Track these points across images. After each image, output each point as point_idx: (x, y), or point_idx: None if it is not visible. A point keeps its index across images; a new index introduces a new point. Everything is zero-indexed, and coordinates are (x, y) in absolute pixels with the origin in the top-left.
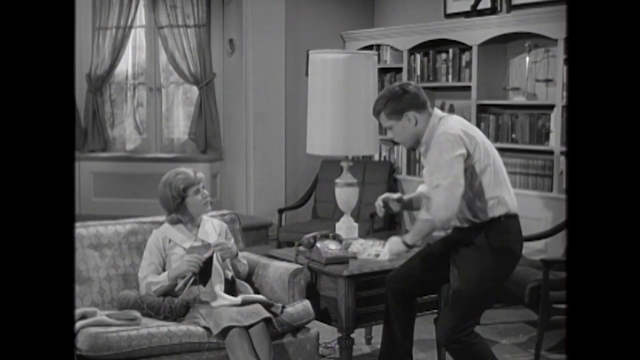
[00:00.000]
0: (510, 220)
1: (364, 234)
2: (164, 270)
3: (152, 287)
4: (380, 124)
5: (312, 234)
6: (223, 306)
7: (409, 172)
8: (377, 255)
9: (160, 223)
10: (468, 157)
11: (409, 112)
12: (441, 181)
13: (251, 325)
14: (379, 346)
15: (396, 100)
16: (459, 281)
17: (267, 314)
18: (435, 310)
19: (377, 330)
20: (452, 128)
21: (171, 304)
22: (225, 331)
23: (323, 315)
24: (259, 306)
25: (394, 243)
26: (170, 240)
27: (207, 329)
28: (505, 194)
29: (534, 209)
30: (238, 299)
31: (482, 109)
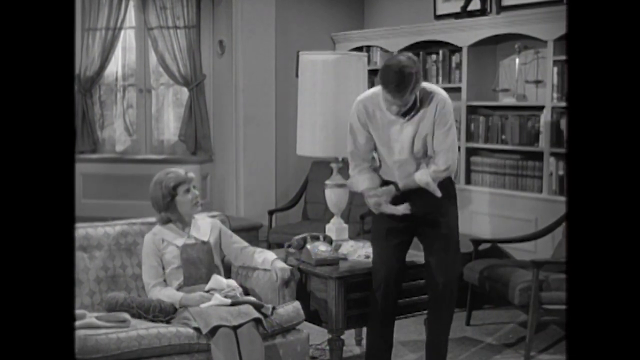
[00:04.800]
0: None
1: (354, 235)
2: (163, 269)
3: (164, 300)
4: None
5: (302, 236)
6: (213, 306)
7: None
8: (368, 257)
9: (151, 224)
10: None
11: (420, 83)
12: (452, 143)
13: (240, 325)
14: None
15: (417, 78)
16: (446, 233)
17: (257, 315)
18: (425, 311)
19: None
20: (443, 91)
21: (161, 304)
22: (214, 330)
23: (313, 316)
24: (249, 307)
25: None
26: (163, 240)
27: (196, 329)
28: None
29: (523, 210)
30: (228, 300)
31: (472, 110)
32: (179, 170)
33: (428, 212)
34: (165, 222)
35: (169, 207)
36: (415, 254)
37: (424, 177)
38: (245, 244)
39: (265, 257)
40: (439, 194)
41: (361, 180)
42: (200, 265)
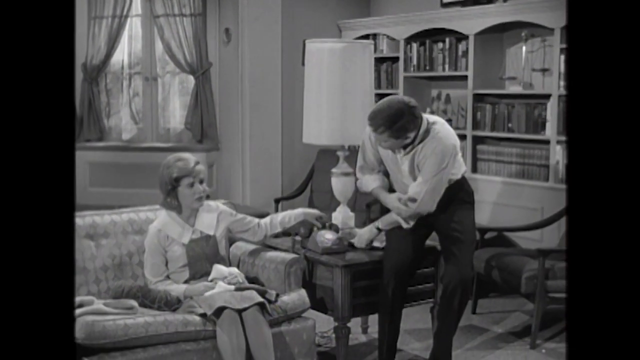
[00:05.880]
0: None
1: (360, 223)
2: (166, 265)
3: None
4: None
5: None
6: (216, 292)
7: None
8: (377, 248)
9: (158, 210)
10: None
11: (411, 132)
12: (428, 186)
13: (244, 309)
14: (375, 335)
15: (404, 125)
16: (459, 231)
17: (260, 299)
18: (431, 300)
19: (373, 319)
20: (450, 138)
21: (167, 296)
22: (219, 312)
23: (319, 304)
24: (253, 292)
25: (368, 231)
26: (168, 237)
27: (203, 316)
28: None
29: (529, 199)
30: (231, 287)
31: (478, 98)
32: (189, 160)
33: (443, 217)
34: (169, 208)
35: (170, 194)
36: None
37: (395, 203)
38: (257, 220)
39: (288, 212)
40: (405, 225)
41: (371, 180)
42: (205, 261)
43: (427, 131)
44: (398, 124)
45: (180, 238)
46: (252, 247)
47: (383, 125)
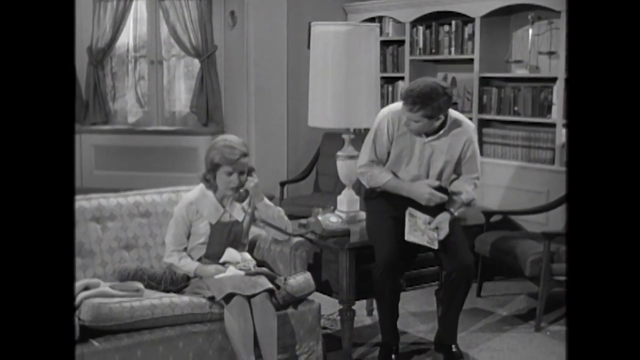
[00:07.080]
0: None
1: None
2: (188, 238)
3: (176, 270)
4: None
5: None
6: (226, 276)
7: None
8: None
9: (164, 192)
10: None
11: (442, 114)
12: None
13: (253, 296)
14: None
15: (439, 104)
16: (456, 218)
17: (270, 286)
18: (436, 282)
19: None
20: (470, 123)
21: (172, 276)
22: (228, 298)
23: (324, 287)
24: (263, 277)
25: (444, 220)
26: (197, 212)
27: (210, 299)
28: None
29: (535, 182)
30: (242, 272)
31: (484, 81)
32: (236, 151)
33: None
34: (206, 184)
35: (209, 172)
36: None
37: (470, 195)
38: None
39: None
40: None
41: (384, 173)
42: (225, 245)
43: (456, 121)
44: (434, 103)
45: (209, 217)
46: (257, 230)
47: (420, 103)
